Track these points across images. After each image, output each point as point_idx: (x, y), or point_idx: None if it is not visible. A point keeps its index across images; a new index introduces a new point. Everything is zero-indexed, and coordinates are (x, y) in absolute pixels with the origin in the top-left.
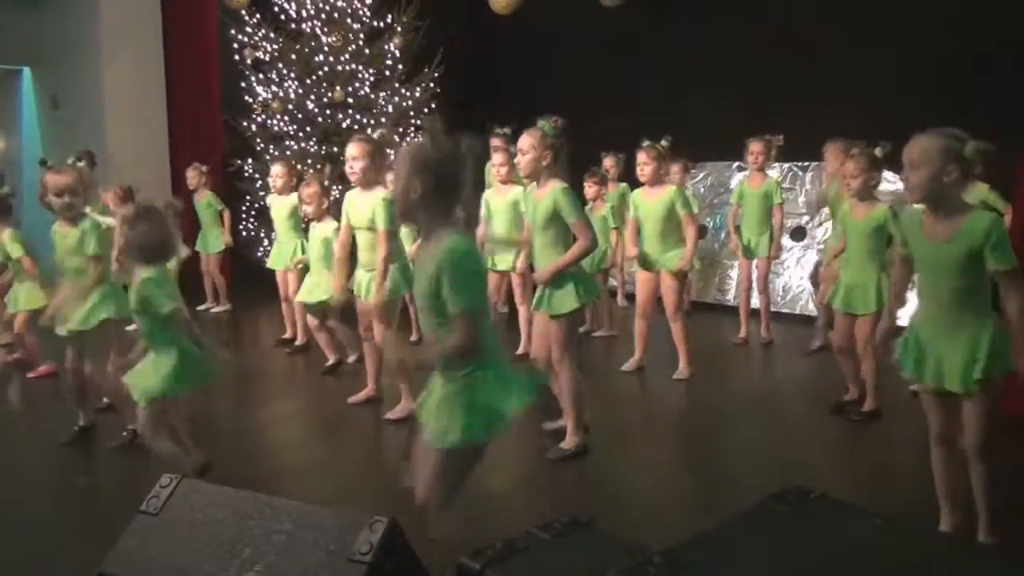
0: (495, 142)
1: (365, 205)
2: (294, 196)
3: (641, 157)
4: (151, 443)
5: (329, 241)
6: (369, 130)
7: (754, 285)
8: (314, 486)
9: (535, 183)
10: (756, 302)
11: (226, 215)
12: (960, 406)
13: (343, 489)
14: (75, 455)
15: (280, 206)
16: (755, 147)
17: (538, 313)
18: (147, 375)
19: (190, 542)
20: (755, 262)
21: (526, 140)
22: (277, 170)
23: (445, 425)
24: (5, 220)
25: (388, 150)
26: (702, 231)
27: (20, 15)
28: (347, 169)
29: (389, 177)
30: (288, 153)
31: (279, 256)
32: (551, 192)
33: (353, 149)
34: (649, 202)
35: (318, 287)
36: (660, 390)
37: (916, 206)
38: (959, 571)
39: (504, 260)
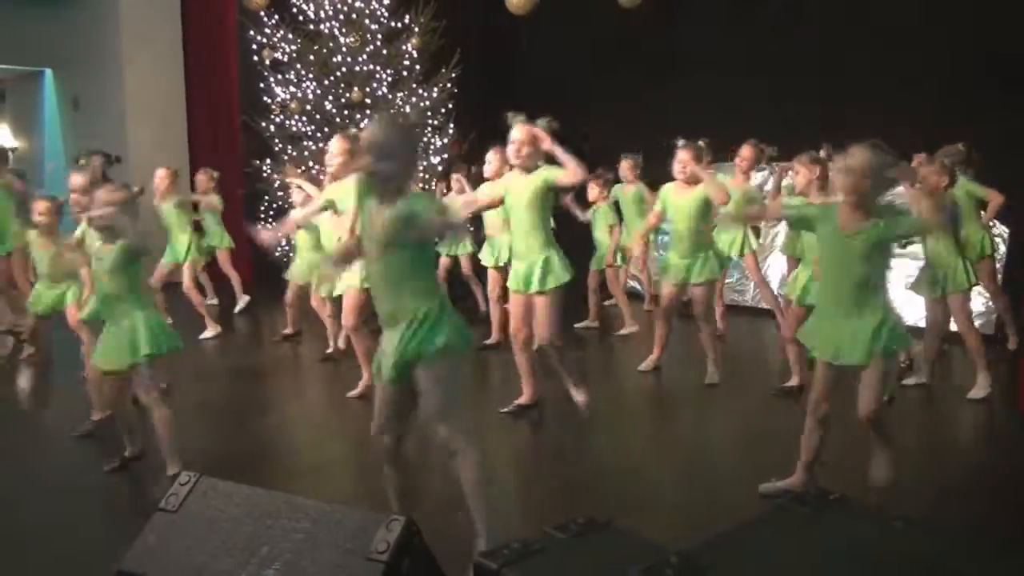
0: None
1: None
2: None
3: (682, 155)
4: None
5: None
6: None
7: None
8: (330, 485)
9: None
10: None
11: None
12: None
13: (359, 488)
14: (93, 451)
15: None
16: (745, 152)
17: (517, 295)
18: (124, 342)
19: (208, 539)
20: (745, 259)
21: (525, 132)
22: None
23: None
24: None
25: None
26: None
27: (42, 18)
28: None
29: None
30: (306, 154)
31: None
32: (540, 172)
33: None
34: (682, 200)
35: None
36: (676, 390)
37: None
38: (980, 573)
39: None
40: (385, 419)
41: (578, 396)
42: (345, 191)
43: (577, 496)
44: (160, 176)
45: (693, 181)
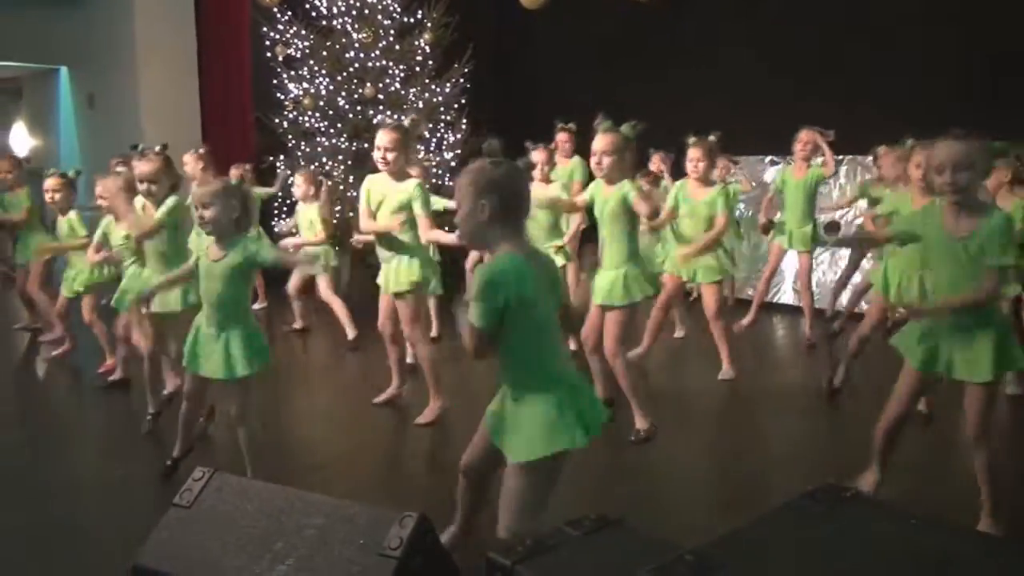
0: (561, 136)
1: (397, 193)
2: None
3: (695, 153)
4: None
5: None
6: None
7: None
8: (343, 481)
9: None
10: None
11: None
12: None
13: (372, 484)
14: (115, 445)
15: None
16: (805, 136)
17: (595, 305)
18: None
19: (222, 535)
20: (799, 256)
21: (607, 141)
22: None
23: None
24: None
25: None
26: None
27: (58, 16)
28: (377, 156)
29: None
30: (319, 150)
31: None
32: (622, 188)
33: (383, 138)
34: (697, 200)
35: None
36: (687, 386)
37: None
38: (999, 572)
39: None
40: None
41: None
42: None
43: (590, 493)
44: (191, 160)
45: (706, 180)
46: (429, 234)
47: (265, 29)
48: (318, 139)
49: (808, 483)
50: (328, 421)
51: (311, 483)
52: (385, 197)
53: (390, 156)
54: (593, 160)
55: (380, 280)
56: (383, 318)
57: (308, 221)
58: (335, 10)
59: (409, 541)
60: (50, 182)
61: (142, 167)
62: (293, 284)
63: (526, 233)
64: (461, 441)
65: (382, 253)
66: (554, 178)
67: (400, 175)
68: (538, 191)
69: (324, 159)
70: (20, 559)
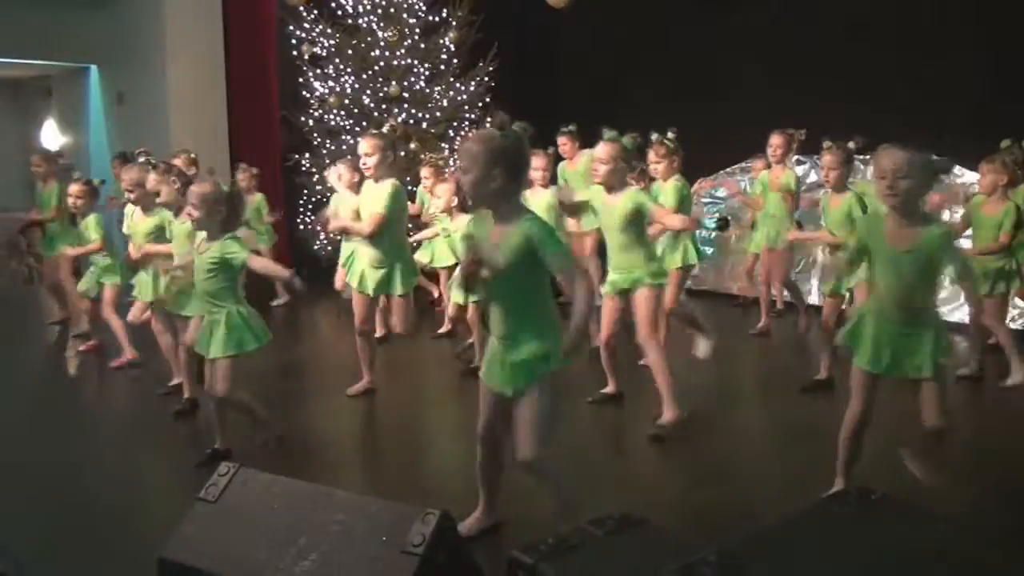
0: (561, 140)
1: (377, 196)
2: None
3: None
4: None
5: None
6: (424, 124)
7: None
8: (366, 477)
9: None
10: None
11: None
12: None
13: (395, 481)
14: (139, 439)
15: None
16: (775, 140)
17: (608, 297)
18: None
19: (246, 530)
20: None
21: (605, 151)
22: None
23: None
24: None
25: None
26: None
27: (88, 15)
28: (361, 164)
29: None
30: (344, 148)
31: None
32: (629, 195)
33: (365, 145)
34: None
35: None
36: (712, 386)
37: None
38: None
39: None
40: None
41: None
42: None
43: (613, 492)
44: (243, 176)
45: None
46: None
47: (291, 28)
48: (343, 137)
49: (830, 485)
50: (352, 417)
51: (334, 479)
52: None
53: (370, 161)
54: (592, 166)
55: (353, 280)
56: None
57: (351, 212)
58: (360, 9)
59: (431, 538)
60: (74, 188)
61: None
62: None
63: (521, 198)
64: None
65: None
66: (564, 180)
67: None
68: (536, 197)
69: (349, 157)
70: (47, 549)
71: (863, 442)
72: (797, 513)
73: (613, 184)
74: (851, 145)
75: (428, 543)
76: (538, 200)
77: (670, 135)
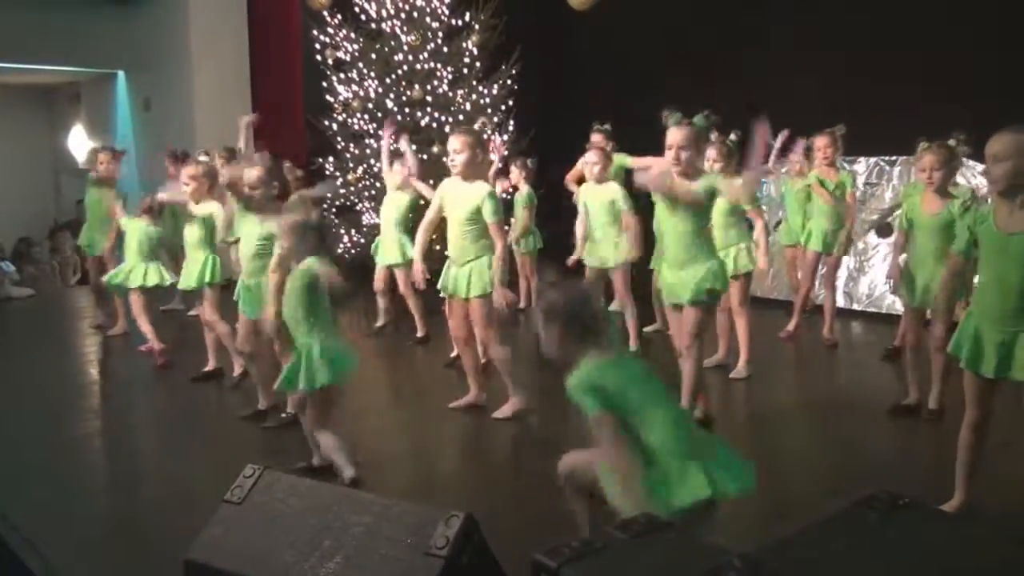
0: (595, 138)
1: (467, 197)
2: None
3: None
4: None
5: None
6: (447, 128)
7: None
8: (390, 480)
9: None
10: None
11: None
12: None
13: (419, 483)
14: (172, 439)
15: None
16: (820, 142)
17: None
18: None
19: (272, 532)
20: (826, 258)
21: (682, 135)
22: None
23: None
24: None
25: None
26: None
27: (115, 22)
28: (449, 161)
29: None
30: (368, 151)
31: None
32: (708, 180)
33: (454, 142)
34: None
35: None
36: (738, 390)
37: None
38: None
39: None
40: None
41: None
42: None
43: None
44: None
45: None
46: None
47: (315, 33)
48: (367, 141)
49: (855, 489)
50: (377, 419)
51: (362, 481)
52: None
53: (459, 159)
54: (669, 154)
55: (446, 284)
56: (457, 322)
57: (398, 209)
58: (384, 13)
59: (455, 540)
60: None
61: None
62: (379, 279)
63: (604, 342)
64: (507, 441)
65: (455, 255)
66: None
67: (472, 179)
68: (593, 192)
69: (372, 160)
70: (76, 548)
71: (983, 455)
72: (824, 518)
73: (691, 172)
74: (952, 143)
75: (452, 545)
76: (599, 196)
77: (732, 137)
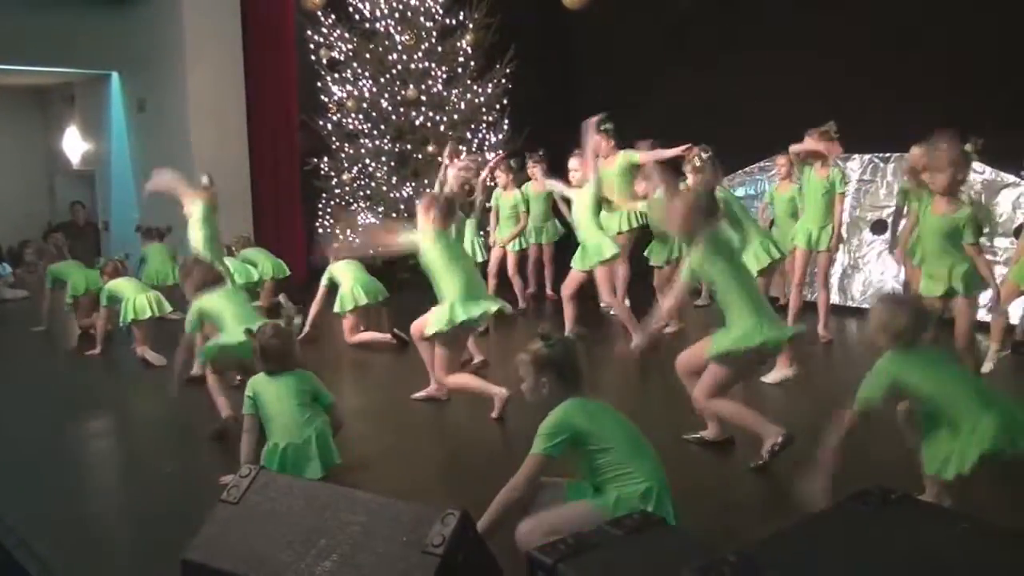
0: (596, 137)
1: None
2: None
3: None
4: None
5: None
6: (441, 127)
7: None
8: (386, 479)
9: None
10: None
11: None
12: None
13: (415, 482)
14: (166, 442)
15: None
16: (810, 139)
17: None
18: None
19: (268, 531)
20: (818, 256)
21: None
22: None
23: None
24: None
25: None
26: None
27: (109, 23)
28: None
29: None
30: (363, 151)
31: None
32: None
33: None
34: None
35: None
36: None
37: None
38: None
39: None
40: None
41: None
42: None
43: None
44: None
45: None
46: None
47: (309, 33)
48: (361, 141)
49: (850, 484)
50: (371, 418)
51: (355, 480)
52: None
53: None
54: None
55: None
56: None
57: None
58: (378, 13)
59: (451, 538)
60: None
61: None
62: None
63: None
64: (502, 439)
65: None
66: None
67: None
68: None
69: (367, 160)
70: (73, 548)
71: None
72: (817, 514)
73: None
74: (967, 147)
75: (448, 543)
76: (581, 199)
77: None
